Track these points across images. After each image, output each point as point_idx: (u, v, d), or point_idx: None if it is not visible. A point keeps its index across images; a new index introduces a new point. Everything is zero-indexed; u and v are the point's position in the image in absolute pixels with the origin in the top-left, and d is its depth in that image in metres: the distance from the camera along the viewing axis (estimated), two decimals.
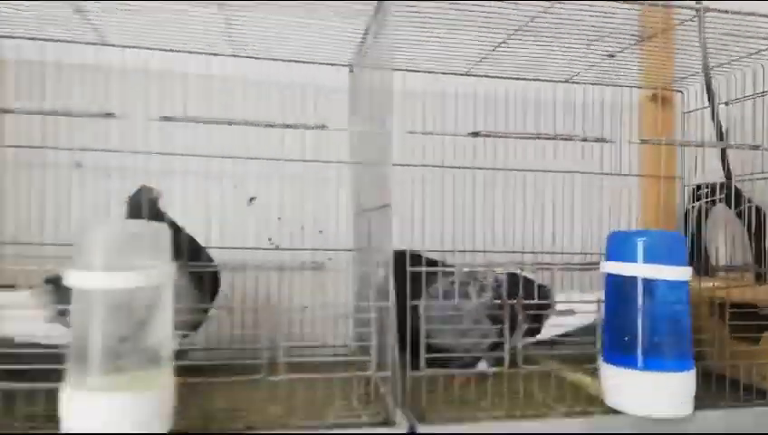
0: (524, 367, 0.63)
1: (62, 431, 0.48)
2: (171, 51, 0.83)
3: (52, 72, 0.85)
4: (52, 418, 0.49)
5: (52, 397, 0.49)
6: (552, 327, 0.72)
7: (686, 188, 1.02)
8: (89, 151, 0.83)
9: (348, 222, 0.94)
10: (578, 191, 0.89)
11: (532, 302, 0.68)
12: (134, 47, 0.84)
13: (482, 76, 0.90)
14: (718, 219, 1.00)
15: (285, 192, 0.93)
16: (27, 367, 0.52)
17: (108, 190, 0.84)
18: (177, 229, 0.65)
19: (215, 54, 0.85)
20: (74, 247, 0.49)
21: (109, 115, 0.59)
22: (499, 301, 0.67)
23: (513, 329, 0.66)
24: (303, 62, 0.89)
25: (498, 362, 0.63)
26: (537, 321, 0.73)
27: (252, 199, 0.95)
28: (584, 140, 0.66)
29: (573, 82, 0.94)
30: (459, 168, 0.78)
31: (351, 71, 0.92)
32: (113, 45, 0.83)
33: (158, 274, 0.49)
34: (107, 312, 0.48)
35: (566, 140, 0.67)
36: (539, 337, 0.72)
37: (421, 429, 0.54)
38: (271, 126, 0.64)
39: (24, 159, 0.84)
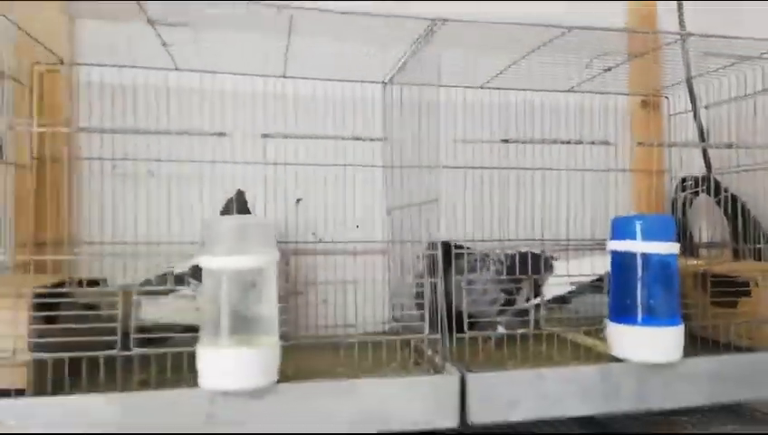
0: (539, 330, 0.78)
1: (200, 380, 0.62)
2: (239, 74, 0.97)
3: (123, 92, 0.98)
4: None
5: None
6: (555, 287, 0.86)
7: (672, 180, 1.18)
8: (163, 162, 0.97)
9: (381, 218, 1.09)
10: (585, 185, 1.03)
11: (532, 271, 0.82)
12: (201, 71, 0.98)
13: (497, 88, 1.04)
14: (701, 207, 1.16)
15: (327, 194, 1.07)
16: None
17: (179, 196, 0.98)
18: None
19: (274, 76, 0.99)
20: (204, 236, 0.63)
21: (221, 134, 0.73)
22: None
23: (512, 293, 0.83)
24: (346, 80, 1.02)
25: (511, 325, 0.79)
26: (539, 285, 0.87)
27: (298, 200, 1.09)
28: (592, 143, 0.80)
29: (575, 91, 1.09)
30: (490, 168, 0.91)
31: (384, 86, 1.07)
32: (187, 70, 0.97)
33: (267, 257, 0.63)
34: (230, 287, 0.62)
35: (578, 143, 0.81)
36: (545, 298, 0.85)
37: (471, 376, 0.68)
38: (341, 138, 0.78)
39: (99, 169, 0.98)
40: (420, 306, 0.74)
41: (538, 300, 0.82)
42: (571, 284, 0.81)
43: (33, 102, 0.94)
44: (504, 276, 0.85)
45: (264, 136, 0.77)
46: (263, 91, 1.04)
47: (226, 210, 0.82)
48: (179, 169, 0.97)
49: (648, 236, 0.73)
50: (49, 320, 0.68)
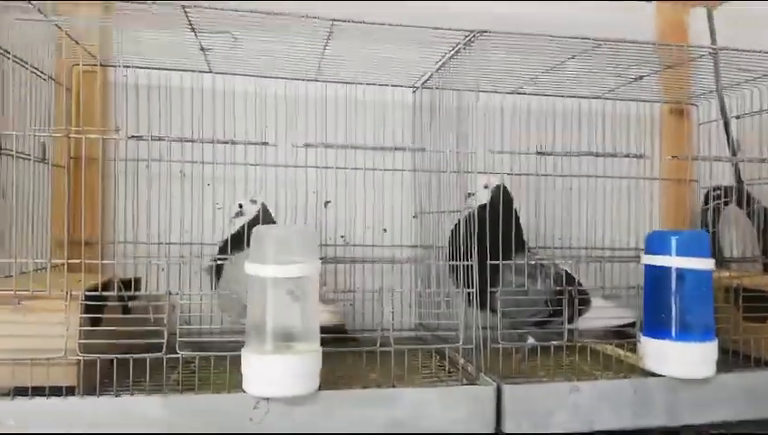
0: (571, 341, 0.79)
1: (245, 385, 0.63)
2: (272, 77, 0.98)
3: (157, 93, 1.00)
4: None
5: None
6: (589, 320, 0.87)
7: (701, 190, 1.18)
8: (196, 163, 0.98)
9: (408, 222, 1.10)
10: (615, 193, 1.04)
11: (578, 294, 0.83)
12: (235, 74, 0.99)
13: (530, 94, 1.05)
14: (730, 218, 1.16)
15: (356, 197, 1.08)
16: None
17: (213, 196, 1.00)
18: None
19: (306, 80, 1.00)
20: (252, 244, 0.64)
21: (265, 144, 0.74)
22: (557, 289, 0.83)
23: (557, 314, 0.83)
24: (377, 84, 1.03)
25: (543, 338, 0.80)
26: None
27: (327, 203, 1.10)
28: (627, 156, 0.81)
29: (606, 98, 1.09)
30: (526, 174, 0.92)
31: (414, 92, 1.08)
32: (221, 73, 0.98)
33: (311, 266, 0.65)
34: (276, 294, 0.63)
35: (612, 156, 0.82)
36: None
37: (507, 387, 0.69)
38: (381, 148, 0.80)
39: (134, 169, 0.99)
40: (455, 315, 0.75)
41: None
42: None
43: (72, 104, 0.96)
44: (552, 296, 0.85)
45: (307, 145, 0.78)
46: (294, 94, 1.05)
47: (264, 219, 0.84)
48: (211, 170, 0.99)
49: (683, 251, 0.73)
50: (96, 321, 0.70)
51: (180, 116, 0.99)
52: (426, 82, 1.02)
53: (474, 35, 0.77)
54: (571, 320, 0.85)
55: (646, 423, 0.71)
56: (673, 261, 0.73)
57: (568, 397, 0.70)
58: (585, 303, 0.86)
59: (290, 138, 0.96)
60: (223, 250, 0.87)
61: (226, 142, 0.76)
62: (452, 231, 0.89)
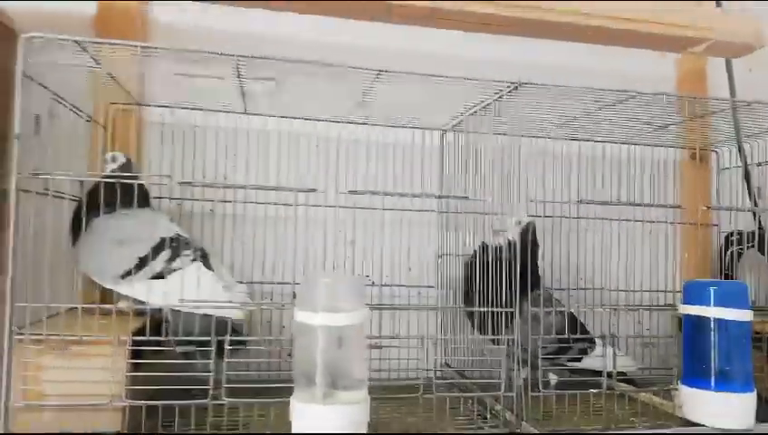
0: (612, 389, 0.79)
1: (294, 432, 0.63)
2: (307, 118, 1.00)
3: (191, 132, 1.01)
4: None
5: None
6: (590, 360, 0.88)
7: (721, 234, 1.19)
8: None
9: (433, 262, 1.11)
10: (638, 236, 1.05)
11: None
12: (270, 115, 1.01)
13: (556, 138, 1.07)
14: (750, 263, 1.17)
15: (383, 237, 1.08)
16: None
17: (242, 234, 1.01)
18: None
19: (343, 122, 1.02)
20: (301, 292, 0.65)
21: (311, 190, 0.75)
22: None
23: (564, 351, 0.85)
24: (409, 127, 1.05)
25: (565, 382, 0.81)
26: (583, 352, 0.90)
27: (352, 242, 1.10)
28: (665, 206, 0.83)
29: (632, 144, 1.11)
30: (549, 216, 0.93)
31: (442, 135, 1.10)
32: (256, 114, 1.00)
33: (360, 314, 0.65)
34: (326, 342, 0.64)
35: (649, 206, 0.83)
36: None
37: None
38: (425, 196, 0.81)
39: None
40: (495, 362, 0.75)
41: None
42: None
43: (108, 142, 0.97)
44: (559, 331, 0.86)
45: (352, 192, 0.79)
46: (326, 135, 1.06)
47: None
48: (241, 207, 1.00)
49: (722, 302, 0.74)
50: (139, 365, 0.70)
51: (215, 156, 1.01)
52: (455, 125, 1.04)
53: (514, 87, 0.79)
54: (577, 360, 0.86)
55: None
56: (712, 311, 0.74)
57: None
58: (591, 343, 0.88)
59: (323, 179, 0.97)
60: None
61: (275, 189, 0.77)
62: (467, 265, 0.92)
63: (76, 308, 0.71)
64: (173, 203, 0.98)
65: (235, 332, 0.73)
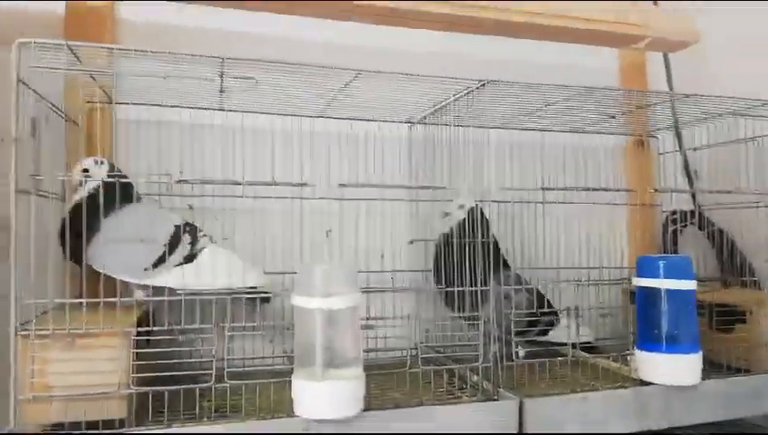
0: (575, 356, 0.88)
1: (297, 409, 0.68)
2: (280, 114, 1.04)
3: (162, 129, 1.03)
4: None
5: None
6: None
7: (663, 213, 1.31)
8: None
9: (404, 249, 1.17)
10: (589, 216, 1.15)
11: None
12: (245, 111, 1.04)
13: (518, 129, 1.15)
14: (690, 239, 1.29)
15: (357, 226, 1.13)
16: None
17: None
18: None
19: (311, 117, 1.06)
20: (299, 278, 0.70)
21: (303, 184, 0.80)
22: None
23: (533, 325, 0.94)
24: (382, 120, 1.11)
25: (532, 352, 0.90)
26: (550, 324, 0.98)
27: (328, 232, 1.15)
28: (617, 190, 0.92)
29: (583, 132, 1.21)
30: (506, 202, 1.01)
31: (410, 127, 1.16)
32: (231, 110, 1.03)
33: (354, 298, 0.71)
34: (323, 325, 0.69)
35: (605, 190, 0.92)
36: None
37: (527, 401, 0.77)
38: (410, 187, 0.86)
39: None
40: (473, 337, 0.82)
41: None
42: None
43: (84, 141, 0.98)
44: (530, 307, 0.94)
45: (342, 186, 0.84)
46: (299, 129, 1.10)
47: None
48: (221, 202, 1.02)
49: (670, 274, 0.84)
50: (143, 354, 0.73)
51: (191, 151, 1.03)
52: (425, 117, 1.10)
53: (482, 84, 0.86)
54: (545, 333, 0.95)
55: (647, 426, 0.81)
56: (662, 283, 0.83)
57: (580, 406, 0.78)
58: (556, 317, 0.97)
59: (298, 172, 1.01)
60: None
61: (269, 184, 0.81)
62: (435, 253, 0.99)
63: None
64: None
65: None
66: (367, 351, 0.94)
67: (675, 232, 1.29)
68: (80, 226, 0.74)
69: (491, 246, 0.89)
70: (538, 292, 0.97)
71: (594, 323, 0.97)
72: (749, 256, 1.18)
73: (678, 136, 1.28)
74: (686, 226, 1.28)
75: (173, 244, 0.82)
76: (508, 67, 1.20)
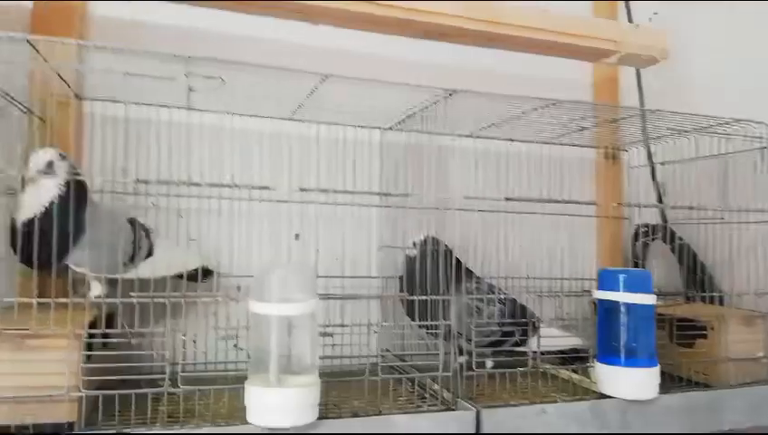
0: (535, 367, 0.88)
1: (249, 417, 0.67)
2: (251, 115, 1.03)
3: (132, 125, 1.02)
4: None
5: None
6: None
7: (632, 226, 1.32)
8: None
9: (373, 255, 1.17)
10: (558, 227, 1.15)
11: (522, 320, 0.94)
12: (213, 111, 1.03)
13: (486, 138, 1.16)
14: (656, 252, 1.30)
15: (327, 231, 1.13)
16: None
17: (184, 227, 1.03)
18: None
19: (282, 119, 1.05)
20: (255, 282, 0.69)
21: (264, 188, 0.79)
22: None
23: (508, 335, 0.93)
24: (353, 125, 1.10)
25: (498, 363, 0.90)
26: (524, 335, 0.98)
27: (297, 236, 1.14)
28: (580, 202, 0.92)
29: (553, 143, 1.21)
30: (479, 211, 1.00)
31: (382, 132, 1.16)
32: (199, 110, 1.01)
33: (310, 303, 0.70)
34: (278, 330, 0.68)
35: (569, 202, 0.93)
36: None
37: (484, 411, 0.77)
38: (371, 193, 0.86)
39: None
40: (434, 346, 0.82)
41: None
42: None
43: (47, 136, 0.96)
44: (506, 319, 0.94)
45: (303, 190, 0.83)
46: (270, 131, 1.09)
47: None
48: (184, 201, 1.01)
49: (630, 288, 0.84)
50: (94, 357, 0.71)
51: (157, 148, 1.02)
52: (396, 124, 1.10)
53: (449, 93, 0.86)
54: (523, 342, 0.95)
55: None
56: (621, 296, 0.84)
57: (537, 418, 0.78)
58: (534, 327, 0.96)
59: (268, 175, 1.01)
60: None
61: (230, 186, 0.80)
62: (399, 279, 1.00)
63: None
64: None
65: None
66: (331, 358, 0.95)
67: (644, 245, 1.30)
68: (60, 225, 0.73)
69: (452, 261, 0.90)
70: (513, 301, 0.97)
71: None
72: (713, 271, 1.20)
73: (648, 150, 1.30)
74: (654, 239, 1.29)
75: (137, 240, 0.85)
76: (483, 77, 1.23)
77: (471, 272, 0.99)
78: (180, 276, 0.88)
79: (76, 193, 0.77)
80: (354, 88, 0.88)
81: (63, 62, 0.80)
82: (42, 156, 0.81)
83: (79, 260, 0.78)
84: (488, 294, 0.95)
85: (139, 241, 0.87)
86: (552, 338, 0.94)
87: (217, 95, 0.96)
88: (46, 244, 0.73)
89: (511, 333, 0.92)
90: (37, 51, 0.74)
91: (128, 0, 1.03)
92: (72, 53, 0.84)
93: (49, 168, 0.80)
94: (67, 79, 0.93)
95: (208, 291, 0.85)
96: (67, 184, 0.78)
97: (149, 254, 0.87)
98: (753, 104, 1.08)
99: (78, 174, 0.80)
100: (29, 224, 0.76)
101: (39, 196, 0.78)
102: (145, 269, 0.83)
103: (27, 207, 0.78)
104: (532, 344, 0.93)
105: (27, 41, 0.71)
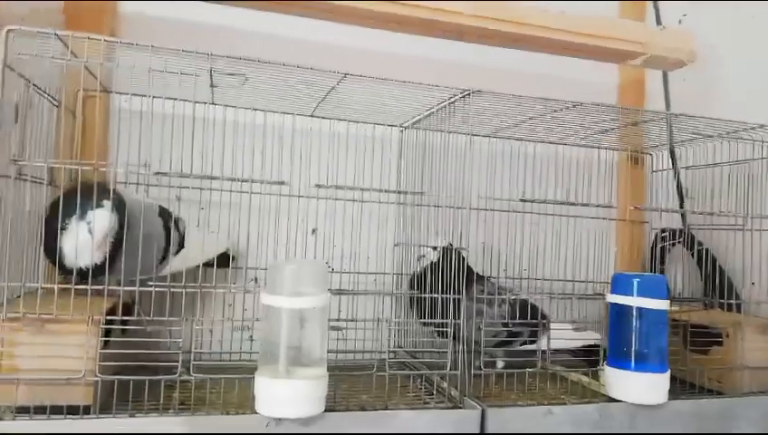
0: (545, 369, 0.88)
1: (258, 406, 0.69)
2: (273, 111, 1.06)
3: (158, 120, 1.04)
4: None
5: None
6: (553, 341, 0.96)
7: (652, 231, 1.30)
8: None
9: (389, 251, 1.18)
10: (579, 230, 1.15)
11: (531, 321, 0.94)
12: (236, 106, 1.05)
13: (505, 138, 1.15)
14: (676, 258, 1.29)
15: (344, 226, 1.14)
16: None
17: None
18: None
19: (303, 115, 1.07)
20: (268, 275, 0.70)
21: (281, 183, 0.80)
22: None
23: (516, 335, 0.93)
24: (370, 123, 1.11)
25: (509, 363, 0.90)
26: (534, 335, 0.98)
27: (314, 231, 1.16)
28: (598, 205, 0.92)
29: (577, 145, 1.21)
30: (497, 210, 1.02)
31: (401, 131, 1.16)
32: (222, 105, 1.04)
33: (321, 298, 0.71)
34: (289, 323, 0.70)
35: (585, 205, 0.92)
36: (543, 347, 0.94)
37: (490, 411, 0.77)
38: (389, 192, 0.87)
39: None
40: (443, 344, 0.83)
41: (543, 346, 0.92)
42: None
43: (77, 129, 0.99)
44: (509, 319, 0.95)
45: (318, 186, 0.85)
46: (290, 127, 1.11)
47: None
48: (208, 195, 1.03)
49: (643, 292, 0.84)
50: (111, 343, 0.74)
51: (181, 143, 1.04)
52: (415, 123, 1.11)
53: (469, 93, 0.86)
54: (533, 342, 0.95)
55: None
56: (634, 301, 0.84)
57: (543, 419, 0.79)
58: (543, 326, 0.96)
59: (287, 170, 1.02)
60: None
61: (246, 181, 0.81)
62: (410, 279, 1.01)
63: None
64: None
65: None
66: (344, 352, 0.97)
67: (663, 250, 1.28)
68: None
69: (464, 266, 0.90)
70: (523, 302, 0.97)
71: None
72: (733, 278, 1.18)
73: (672, 154, 1.28)
74: (674, 244, 1.28)
75: (169, 237, 0.86)
76: (508, 76, 1.23)
77: (482, 277, 0.99)
78: (208, 264, 0.90)
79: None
80: (373, 86, 0.89)
81: (92, 57, 0.82)
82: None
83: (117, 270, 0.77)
84: (497, 294, 0.95)
85: (171, 236, 0.86)
86: (564, 335, 0.94)
87: (239, 91, 0.98)
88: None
89: (519, 334, 0.92)
90: (67, 46, 0.76)
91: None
92: (100, 49, 0.87)
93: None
94: (95, 73, 0.95)
95: (224, 282, 0.88)
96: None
97: (181, 246, 0.89)
98: None
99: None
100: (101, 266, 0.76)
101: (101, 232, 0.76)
102: (177, 262, 0.85)
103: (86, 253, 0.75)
104: (542, 344, 0.94)
105: (56, 35, 0.73)
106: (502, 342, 0.94)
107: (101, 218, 0.75)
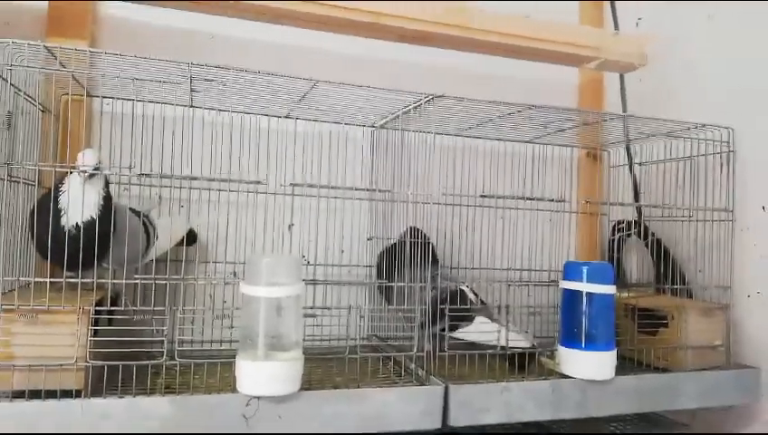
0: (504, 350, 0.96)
1: (239, 386, 0.76)
2: (249, 113, 1.11)
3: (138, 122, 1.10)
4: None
5: None
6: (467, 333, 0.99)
7: (609, 222, 1.39)
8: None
9: (362, 244, 1.25)
10: (539, 222, 1.23)
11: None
12: (214, 109, 1.11)
13: (469, 136, 1.23)
14: (631, 247, 1.37)
15: (319, 222, 1.21)
16: None
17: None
18: None
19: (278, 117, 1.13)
20: (247, 267, 0.77)
21: (258, 183, 0.87)
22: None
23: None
24: (343, 123, 1.18)
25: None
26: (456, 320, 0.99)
27: (291, 226, 1.22)
28: (552, 200, 0.99)
29: (534, 143, 1.28)
30: (463, 205, 1.09)
31: (373, 131, 1.23)
32: (201, 108, 1.09)
33: (296, 287, 0.78)
34: (266, 311, 0.76)
35: (540, 200, 1.00)
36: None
37: (452, 387, 0.85)
38: (359, 189, 0.94)
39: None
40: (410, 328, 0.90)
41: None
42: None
43: (60, 133, 1.04)
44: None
45: (293, 185, 0.91)
46: (265, 128, 1.17)
47: None
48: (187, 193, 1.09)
49: (592, 278, 0.92)
50: (100, 332, 0.80)
51: (161, 144, 1.10)
52: (385, 123, 1.17)
53: (431, 98, 0.93)
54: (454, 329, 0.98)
55: (561, 416, 0.89)
56: (584, 286, 0.92)
57: (501, 395, 0.86)
58: (467, 319, 0.98)
59: (264, 169, 1.08)
60: None
61: (224, 180, 0.87)
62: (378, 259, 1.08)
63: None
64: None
65: None
66: (320, 340, 1.03)
67: (619, 240, 1.37)
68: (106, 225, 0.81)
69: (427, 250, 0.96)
70: (456, 289, 1.01)
71: (526, 322, 1.04)
72: (683, 266, 1.27)
73: (628, 151, 1.36)
74: (629, 235, 1.36)
75: (146, 229, 0.95)
76: (471, 78, 1.30)
77: (437, 261, 1.05)
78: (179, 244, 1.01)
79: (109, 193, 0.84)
80: (344, 91, 0.95)
81: (78, 66, 0.87)
82: (91, 156, 0.80)
83: (110, 260, 0.83)
84: (441, 280, 1.00)
85: (149, 233, 0.96)
86: (486, 329, 0.96)
87: (217, 95, 1.04)
88: (102, 245, 0.80)
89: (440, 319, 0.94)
90: (54, 56, 0.81)
91: (133, 2, 1.10)
92: (85, 57, 0.92)
93: (96, 169, 0.81)
94: (79, 79, 1.00)
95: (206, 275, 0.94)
96: (106, 184, 0.84)
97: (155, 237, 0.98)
98: (735, 107, 1.15)
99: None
100: (90, 225, 0.79)
101: (90, 196, 0.80)
102: (152, 253, 0.95)
103: (78, 209, 0.79)
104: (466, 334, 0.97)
105: (44, 47, 0.78)
106: (422, 324, 0.95)
107: (90, 156, 0.81)
